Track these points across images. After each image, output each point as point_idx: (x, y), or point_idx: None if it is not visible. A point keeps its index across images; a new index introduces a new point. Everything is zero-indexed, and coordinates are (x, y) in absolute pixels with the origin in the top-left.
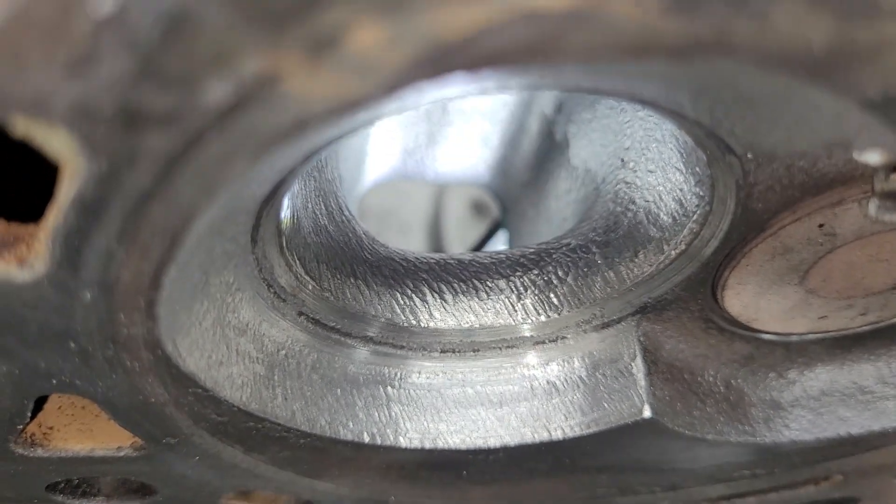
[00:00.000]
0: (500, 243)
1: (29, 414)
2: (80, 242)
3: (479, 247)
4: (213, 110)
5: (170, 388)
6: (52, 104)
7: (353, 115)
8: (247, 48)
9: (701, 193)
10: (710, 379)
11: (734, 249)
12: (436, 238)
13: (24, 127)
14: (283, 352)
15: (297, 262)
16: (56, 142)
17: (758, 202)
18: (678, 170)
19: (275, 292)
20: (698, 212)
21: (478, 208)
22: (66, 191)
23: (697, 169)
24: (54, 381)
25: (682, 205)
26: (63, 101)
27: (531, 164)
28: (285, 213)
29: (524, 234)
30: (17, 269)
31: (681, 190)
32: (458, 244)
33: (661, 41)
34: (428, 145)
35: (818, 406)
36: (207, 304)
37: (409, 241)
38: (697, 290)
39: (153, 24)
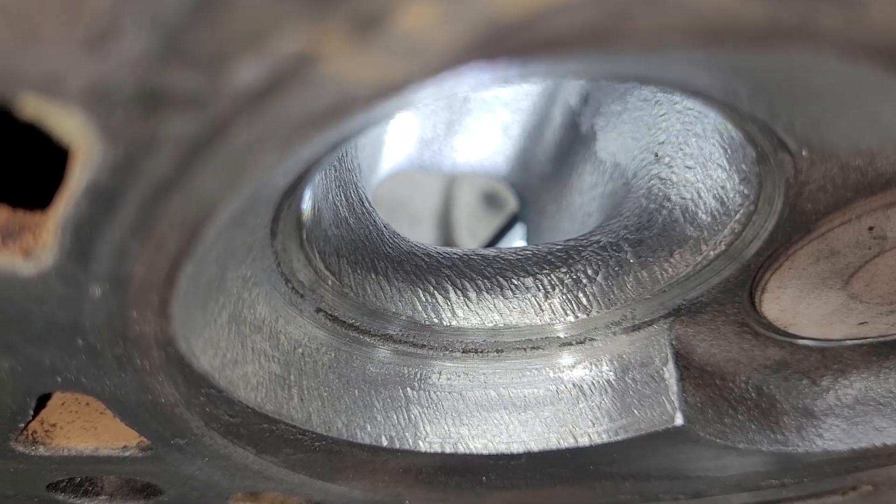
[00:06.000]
0: (516, 238)
1: (31, 412)
2: (91, 234)
3: (495, 241)
4: (244, 94)
5: (181, 387)
6: (67, 84)
7: (394, 101)
8: (286, 25)
9: (745, 192)
10: (742, 385)
11: (777, 251)
12: (446, 229)
13: (34, 108)
14: (300, 350)
15: (317, 255)
16: (69, 125)
17: (807, 202)
18: (721, 166)
19: (293, 287)
20: (741, 211)
21: (489, 200)
22: (79, 178)
23: (744, 166)
24: (59, 379)
25: (723, 203)
26: (79, 81)
27: (553, 157)
28: (307, 204)
29: (544, 229)
30: (22, 260)
31: (722, 188)
32: (469, 236)
33: (739, 25)
34: (446, 135)
35: (852, 415)
36: (223, 299)
37: (419, 233)
38: (735, 293)
39: None
